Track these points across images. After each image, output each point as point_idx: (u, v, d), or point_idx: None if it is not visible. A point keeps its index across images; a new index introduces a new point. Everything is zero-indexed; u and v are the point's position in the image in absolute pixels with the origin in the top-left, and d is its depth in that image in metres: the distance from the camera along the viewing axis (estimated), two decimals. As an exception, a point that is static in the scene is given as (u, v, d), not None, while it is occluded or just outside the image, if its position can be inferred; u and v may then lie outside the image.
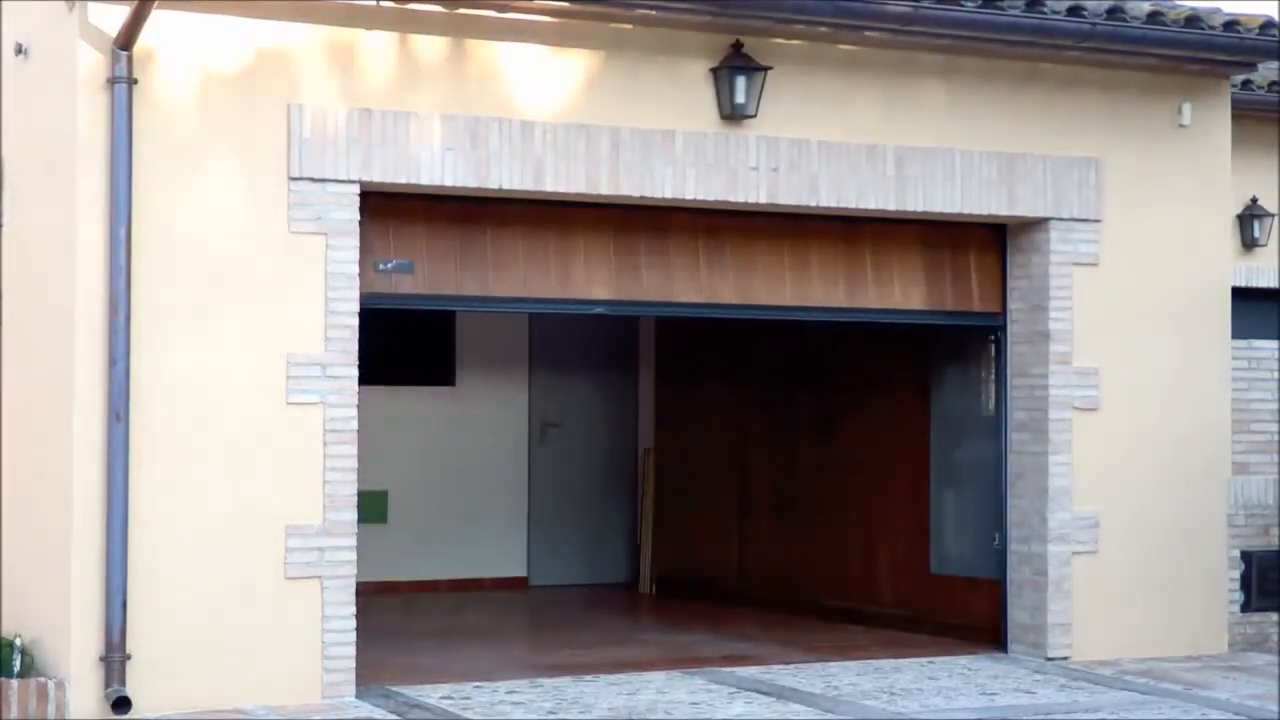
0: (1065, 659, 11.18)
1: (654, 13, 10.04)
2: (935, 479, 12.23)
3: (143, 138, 9.07)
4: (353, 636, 9.52)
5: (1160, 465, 11.54)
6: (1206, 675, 10.85)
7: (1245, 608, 12.26)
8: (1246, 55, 11.51)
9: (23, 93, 9.81)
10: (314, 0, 9.45)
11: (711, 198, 10.37)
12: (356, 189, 9.56)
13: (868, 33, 10.51)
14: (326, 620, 9.44)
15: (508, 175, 9.89)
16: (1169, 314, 11.61)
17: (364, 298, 9.63)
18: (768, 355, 13.83)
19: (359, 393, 9.61)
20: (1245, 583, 12.25)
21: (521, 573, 14.95)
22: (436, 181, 9.75)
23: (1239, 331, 12.25)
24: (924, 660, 11.10)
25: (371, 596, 11.77)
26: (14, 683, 8.99)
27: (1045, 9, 10.71)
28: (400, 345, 14.40)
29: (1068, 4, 10.82)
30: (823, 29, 10.43)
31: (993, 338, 11.61)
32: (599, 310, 10.76)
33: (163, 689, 9.05)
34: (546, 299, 10.46)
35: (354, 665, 9.52)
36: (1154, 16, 11.09)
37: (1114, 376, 11.40)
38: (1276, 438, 12.62)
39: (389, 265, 9.94)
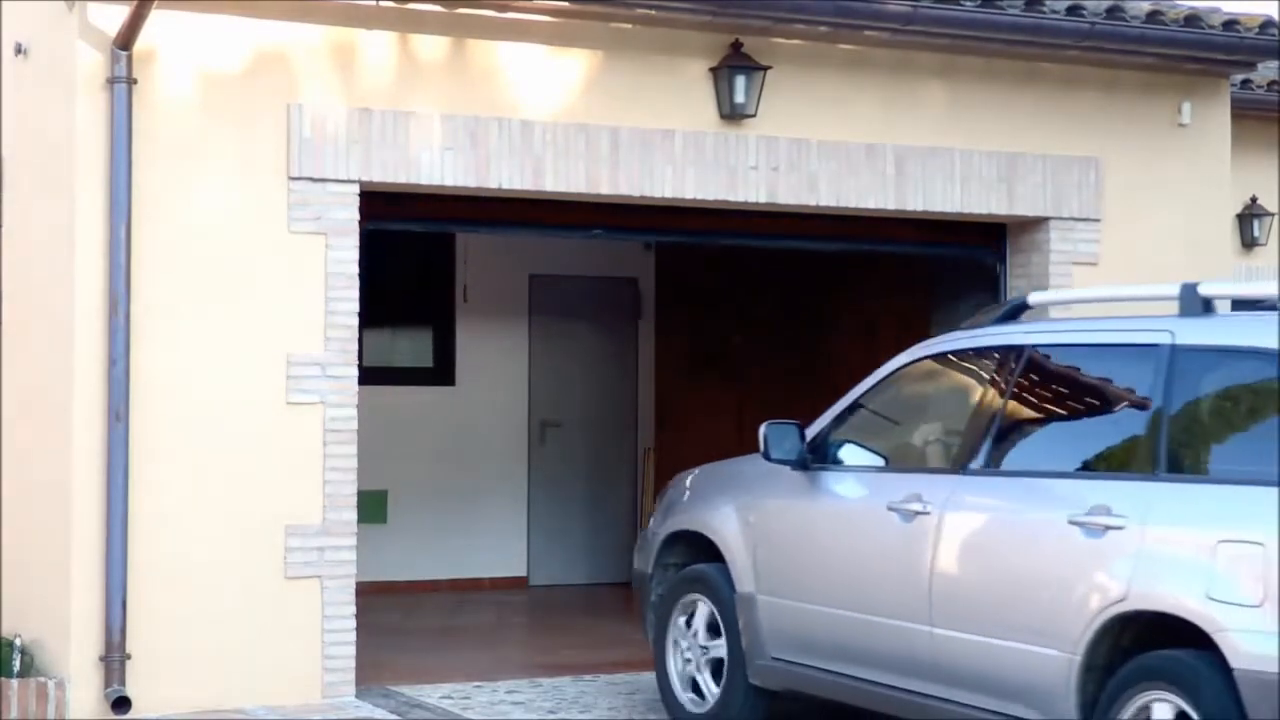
0: (1065, 658, 11.16)
1: (654, 13, 10.04)
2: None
3: (143, 138, 9.07)
4: (353, 636, 9.53)
5: (1160, 465, 11.53)
6: (1206, 674, 10.83)
7: (1245, 607, 12.23)
8: (1246, 55, 11.52)
9: (23, 93, 9.81)
10: (314, 0, 9.46)
11: (711, 197, 10.38)
12: (356, 189, 9.56)
13: (867, 32, 10.52)
14: (326, 620, 9.44)
15: (508, 175, 9.89)
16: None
17: (364, 222, 9.59)
18: (769, 355, 13.83)
19: (359, 392, 9.62)
20: (1245, 582, 12.21)
21: (521, 573, 14.94)
22: (436, 181, 9.75)
23: (1239, 331, 12.24)
24: (924, 660, 11.07)
25: (371, 596, 11.77)
26: (14, 683, 8.99)
27: (1045, 9, 10.71)
28: (401, 344, 14.42)
29: (1067, 4, 10.82)
30: (823, 29, 10.44)
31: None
32: (597, 234, 10.83)
33: (163, 689, 9.06)
34: (545, 224, 10.44)
35: (354, 665, 9.52)
36: (1153, 16, 11.10)
37: (1114, 376, 11.39)
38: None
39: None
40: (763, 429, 8.34)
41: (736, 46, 10.32)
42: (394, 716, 9.16)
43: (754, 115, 10.36)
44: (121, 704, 8.89)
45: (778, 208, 10.65)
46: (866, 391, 8.39)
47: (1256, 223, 14.23)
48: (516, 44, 9.92)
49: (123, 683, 8.94)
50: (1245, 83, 13.15)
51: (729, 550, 8.65)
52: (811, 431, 8.34)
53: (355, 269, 9.55)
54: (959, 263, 11.77)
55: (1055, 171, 11.25)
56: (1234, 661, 6.24)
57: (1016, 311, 8.09)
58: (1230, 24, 11.32)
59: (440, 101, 9.75)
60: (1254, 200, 14.16)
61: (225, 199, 9.30)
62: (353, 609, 9.53)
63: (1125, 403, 7.23)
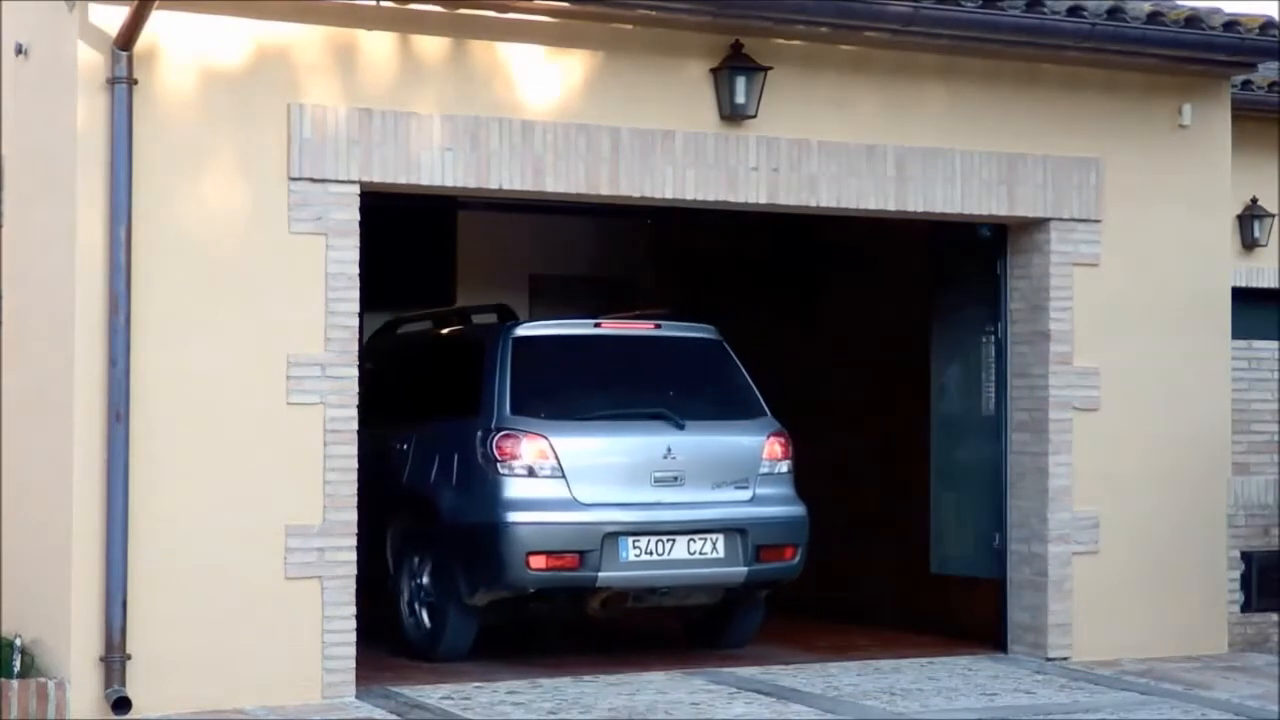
0: (1065, 659, 11.18)
1: (654, 13, 10.04)
2: (935, 479, 12.21)
3: (143, 138, 9.07)
4: (353, 636, 9.53)
5: (1160, 465, 11.55)
6: (1206, 675, 10.85)
7: (1245, 608, 12.27)
8: (1246, 55, 11.51)
9: (23, 93, 9.81)
10: (314, 0, 9.46)
11: (711, 198, 10.38)
12: (357, 189, 9.57)
13: (868, 33, 10.51)
14: (326, 620, 9.44)
15: (508, 175, 9.89)
16: (1169, 314, 11.61)
17: (364, 189, 9.57)
18: (767, 354, 13.78)
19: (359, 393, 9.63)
20: (1245, 583, 12.26)
21: (521, 573, 14.89)
22: (437, 182, 9.75)
23: (1239, 331, 12.25)
24: (924, 660, 11.10)
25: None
26: (14, 683, 8.99)
27: (1045, 9, 10.71)
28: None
29: (1068, 4, 10.82)
30: (823, 29, 10.44)
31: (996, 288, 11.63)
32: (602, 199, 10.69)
33: (163, 689, 9.06)
34: (548, 195, 10.23)
35: (354, 665, 9.52)
36: (1154, 16, 11.09)
37: (1114, 376, 11.40)
38: (1276, 438, 12.62)
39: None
40: None
41: (737, 47, 10.32)
42: (394, 717, 9.17)
43: (754, 116, 10.36)
44: (121, 704, 8.89)
45: (778, 209, 10.65)
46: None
47: (1257, 224, 14.20)
48: (517, 44, 9.92)
49: (123, 683, 8.94)
50: (1246, 84, 13.12)
51: None
52: None
53: (355, 269, 9.55)
54: (959, 278, 11.75)
55: (1056, 173, 11.25)
56: (445, 520, 10.43)
57: (394, 325, 12.60)
58: (1231, 25, 11.32)
59: (440, 102, 9.75)
60: (1254, 201, 14.13)
61: (226, 199, 9.30)
62: (353, 609, 9.53)
63: (459, 372, 11.03)
